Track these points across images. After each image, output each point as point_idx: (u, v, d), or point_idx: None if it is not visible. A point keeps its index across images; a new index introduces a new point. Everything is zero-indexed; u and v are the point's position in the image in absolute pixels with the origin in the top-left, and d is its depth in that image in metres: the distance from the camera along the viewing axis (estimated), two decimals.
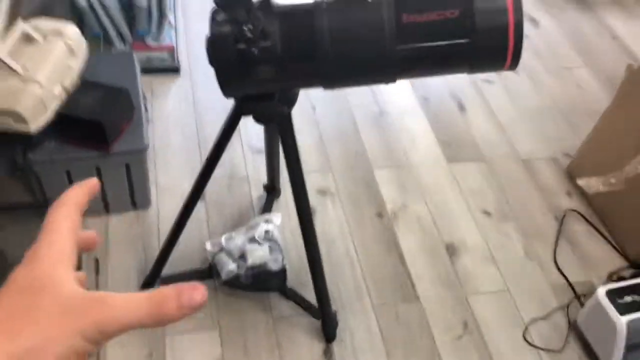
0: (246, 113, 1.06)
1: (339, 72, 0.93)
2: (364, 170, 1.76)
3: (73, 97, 1.37)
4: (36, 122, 1.28)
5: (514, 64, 0.92)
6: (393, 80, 0.95)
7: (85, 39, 1.47)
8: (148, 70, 1.87)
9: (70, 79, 1.38)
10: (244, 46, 0.88)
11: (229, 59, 0.89)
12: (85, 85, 1.41)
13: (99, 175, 1.43)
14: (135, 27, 1.84)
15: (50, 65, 1.31)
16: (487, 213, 1.70)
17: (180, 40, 1.99)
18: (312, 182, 1.68)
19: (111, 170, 1.44)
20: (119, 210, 1.55)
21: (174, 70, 1.92)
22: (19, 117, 1.24)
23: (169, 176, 1.65)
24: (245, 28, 0.84)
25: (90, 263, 1.44)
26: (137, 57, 1.64)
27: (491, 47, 0.90)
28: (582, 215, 1.71)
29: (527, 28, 2.41)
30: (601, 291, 1.35)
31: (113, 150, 1.37)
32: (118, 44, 1.84)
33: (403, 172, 1.77)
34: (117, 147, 1.38)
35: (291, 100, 1.05)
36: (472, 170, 1.81)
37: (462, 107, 2.02)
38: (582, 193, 1.75)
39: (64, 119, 1.34)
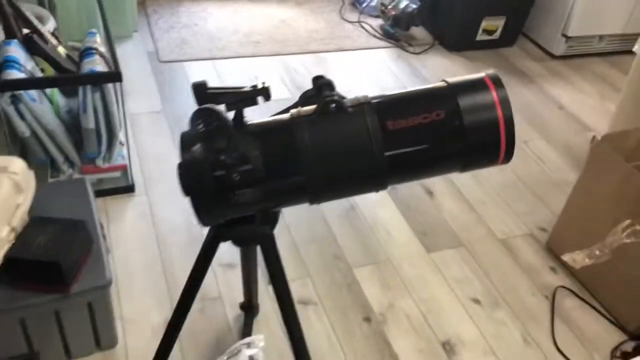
0: (225, 239, 0.97)
1: (327, 185, 0.87)
2: (344, 271, 1.66)
3: (23, 237, 1.24)
4: None
5: (508, 158, 0.88)
6: (384, 187, 0.89)
7: (30, 167, 1.36)
8: (100, 192, 1.76)
9: (19, 217, 1.25)
10: (222, 172, 0.80)
11: (207, 187, 0.81)
12: (36, 221, 1.28)
13: (58, 319, 1.27)
14: (83, 150, 1.74)
15: None
16: (476, 301, 1.62)
17: (132, 157, 1.90)
18: (292, 292, 1.56)
19: (72, 312, 1.28)
20: (82, 353, 1.38)
21: (129, 189, 1.81)
22: None
23: (135, 307, 1.50)
24: (223, 156, 0.76)
25: None
26: (88, 180, 1.53)
27: (483, 144, 0.86)
28: (573, 291, 1.66)
29: None
30: None
31: (73, 290, 1.23)
32: (66, 170, 1.73)
33: (384, 267, 1.69)
34: (77, 286, 1.24)
35: (274, 220, 0.97)
36: (453, 258, 1.75)
37: (430, 193, 1.98)
38: (567, 267, 1.71)
39: (14, 262, 1.20)
